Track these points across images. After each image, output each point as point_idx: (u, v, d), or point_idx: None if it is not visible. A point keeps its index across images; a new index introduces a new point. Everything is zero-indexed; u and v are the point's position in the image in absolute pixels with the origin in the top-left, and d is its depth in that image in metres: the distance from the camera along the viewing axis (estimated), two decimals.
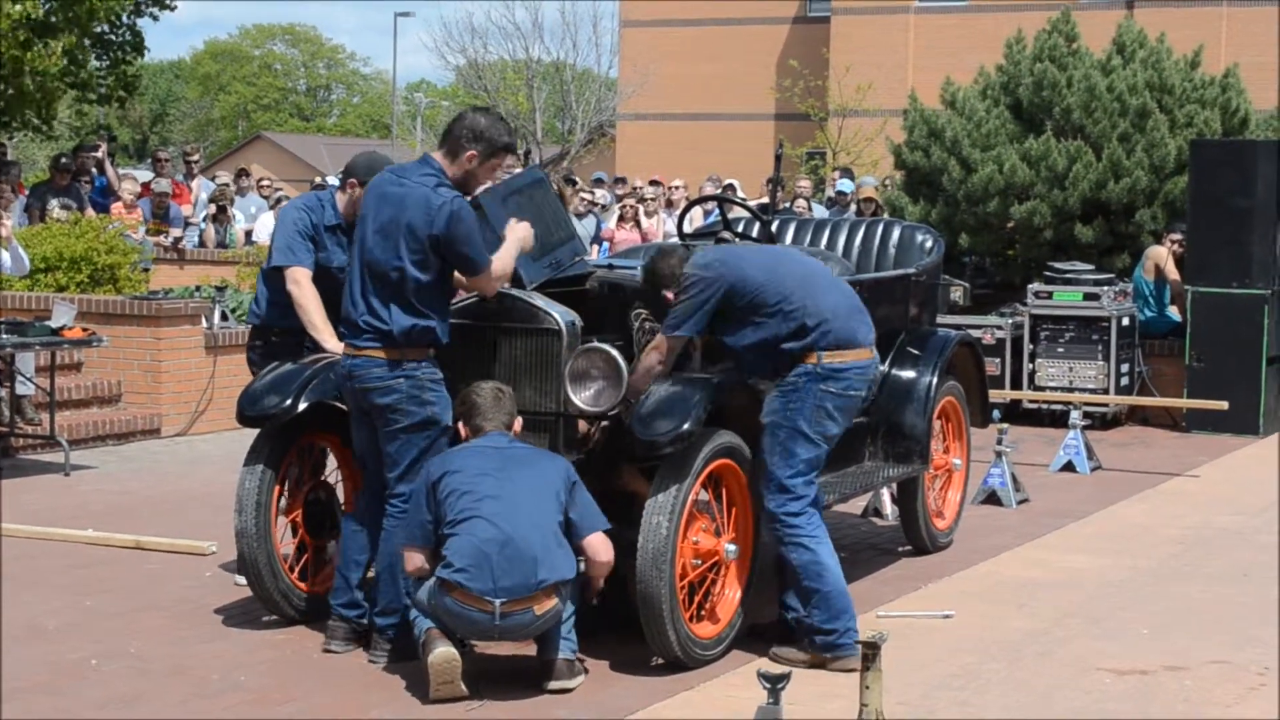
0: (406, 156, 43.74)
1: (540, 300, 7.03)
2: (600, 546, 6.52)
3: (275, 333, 7.83)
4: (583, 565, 6.56)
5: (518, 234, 6.95)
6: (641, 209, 19.62)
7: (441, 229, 6.60)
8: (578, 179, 24.21)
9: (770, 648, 6.99)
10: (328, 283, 7.62)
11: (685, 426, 6.64)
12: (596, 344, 6.85)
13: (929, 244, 9.61)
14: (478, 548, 6.30)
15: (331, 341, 7.49)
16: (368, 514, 7.02)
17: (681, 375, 7.08)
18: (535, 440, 6.93)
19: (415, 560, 6.53)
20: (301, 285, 7.63)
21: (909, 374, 8.84)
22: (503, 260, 6.83)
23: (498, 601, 6.28)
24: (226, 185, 21.40)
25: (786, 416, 6.90)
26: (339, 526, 7.48)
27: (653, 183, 22.46)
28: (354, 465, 7.61)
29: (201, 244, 19.42)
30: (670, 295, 6.99)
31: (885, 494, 9.95)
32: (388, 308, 6.69)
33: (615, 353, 6.78)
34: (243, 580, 7.65)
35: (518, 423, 6.71)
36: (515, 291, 7.13)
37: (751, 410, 7.17)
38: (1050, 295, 14.75)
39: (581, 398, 6.81)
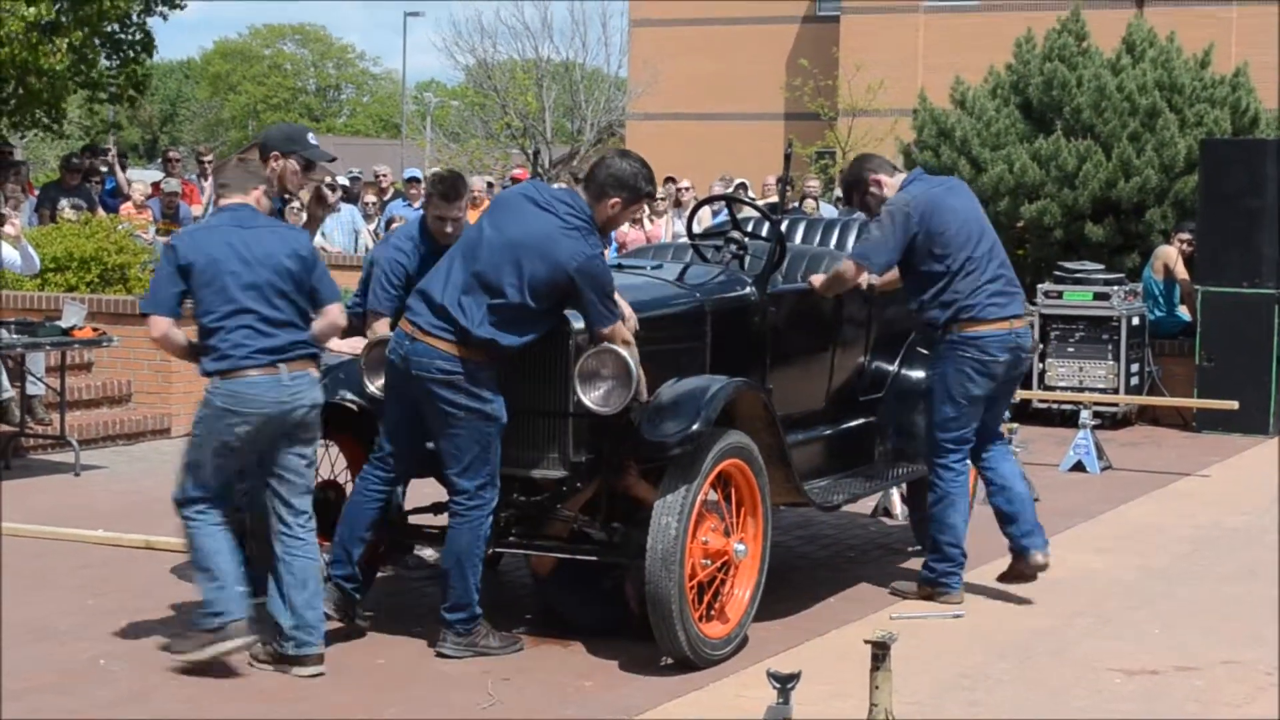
0: (416, 156, 43.87)
1: None
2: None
3: None
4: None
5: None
6: (649, 209, 19.60)
7: (580, 275, 6.65)
8: (577, 177, 24.23)
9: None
10: None
11: (694, 427, 6.64)
12: (607, 345, 6.85)
13: None
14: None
15: (336, 341, 7.51)
16: (379, 492, 6.99)
17: (691, 376, 7.10)
18: (545, 442, 6.93)
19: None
20: None
21: (918, 374, 8.83)
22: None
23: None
24: None
25: (935, 381, 8.04)
26: None
27: (668, 179, 22.45)
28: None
29: None
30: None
31: (895, 494, 9.94)
32: (479, 314, 6.67)
33: (625, 353, 6.78)
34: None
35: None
36: None
37: (761, 410, 7.19)
38: (1060, 295, 14.74)
39: (591, 397, 6.81)
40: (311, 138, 7.68)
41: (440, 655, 6.84)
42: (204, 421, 6.61)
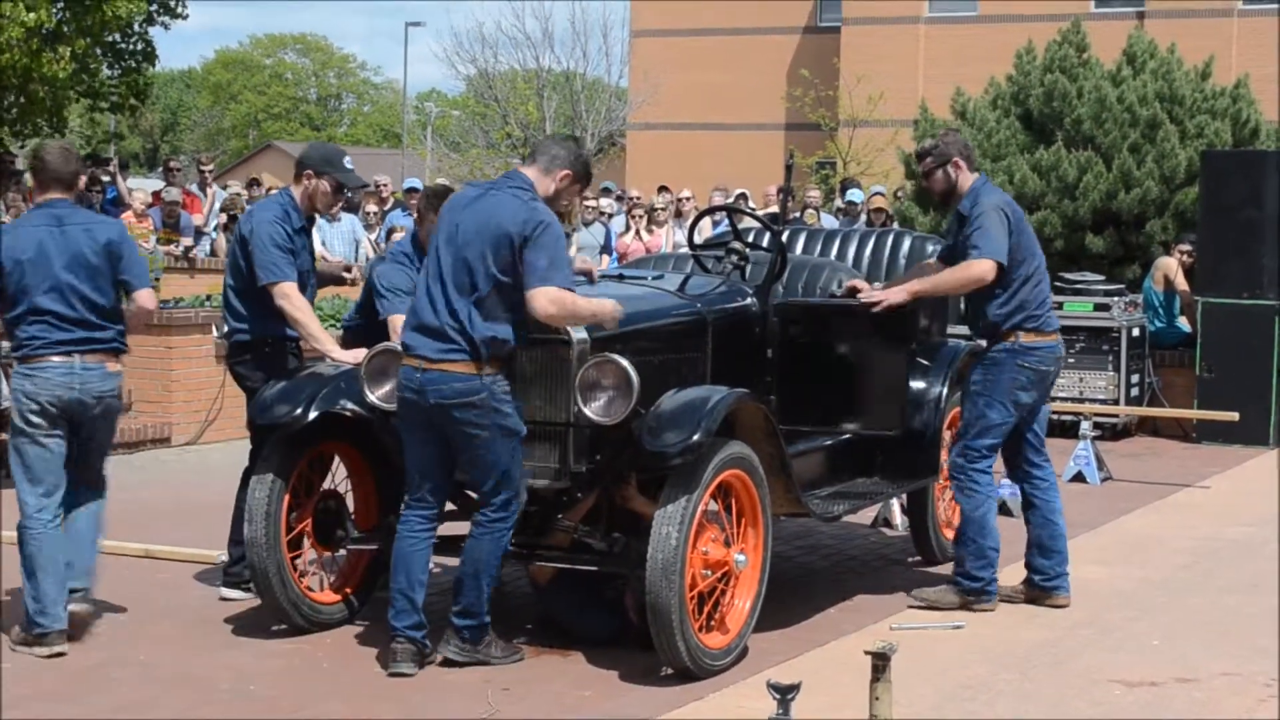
0: (417, 165, 43.92)
1: None
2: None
3: (268, 343, 7.77)
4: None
5: (607, 304, 6.94)
6: (647, 219, 19.60)
7: (531, 234, 6.62)
8: None
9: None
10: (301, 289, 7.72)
11: (695, 438, 6.64)
12: (608, 354, 6.85)
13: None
14: None
15: (338, 351, 7.55)
16: (427, 532, 6.87)
17: (693, 386, 7.11)
18: (546, 452, 6.94)
19: None
20: (292, 299, 7.60)
21: (919, 385, 8.83)
22: (572, 299, 6.71)
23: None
24: (238, 194, 21.43)
25: (985, 386, 8.03)
26: (349, 535, 7.50)
27: (661, 189, 22.47)
28: (365, 475, 7.64)
29: (212, 253, 19.45)
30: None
31: (895, 504, 9.94)
32: (470, 317, 6.65)
33: (626, 363, 6.78)
34: (230, 594, 7.75)
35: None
36: None
37: (762, 421, 7.19)
38: (1060, 306, 14.72)
39: (592, 408, 6.81)
40: (348, 161, 7.83)
41: (444, 659, 6.82)
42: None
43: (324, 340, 7.61)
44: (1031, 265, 8.07)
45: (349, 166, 7.83)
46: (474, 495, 7.04)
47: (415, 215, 7.87)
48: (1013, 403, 8.04)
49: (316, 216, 8.01)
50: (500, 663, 6.88)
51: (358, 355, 7.42)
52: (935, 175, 8.24)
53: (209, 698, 6.47)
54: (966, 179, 8.17)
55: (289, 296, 7.59)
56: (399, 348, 7.07)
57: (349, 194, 8.13)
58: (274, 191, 10.95)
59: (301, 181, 7.72)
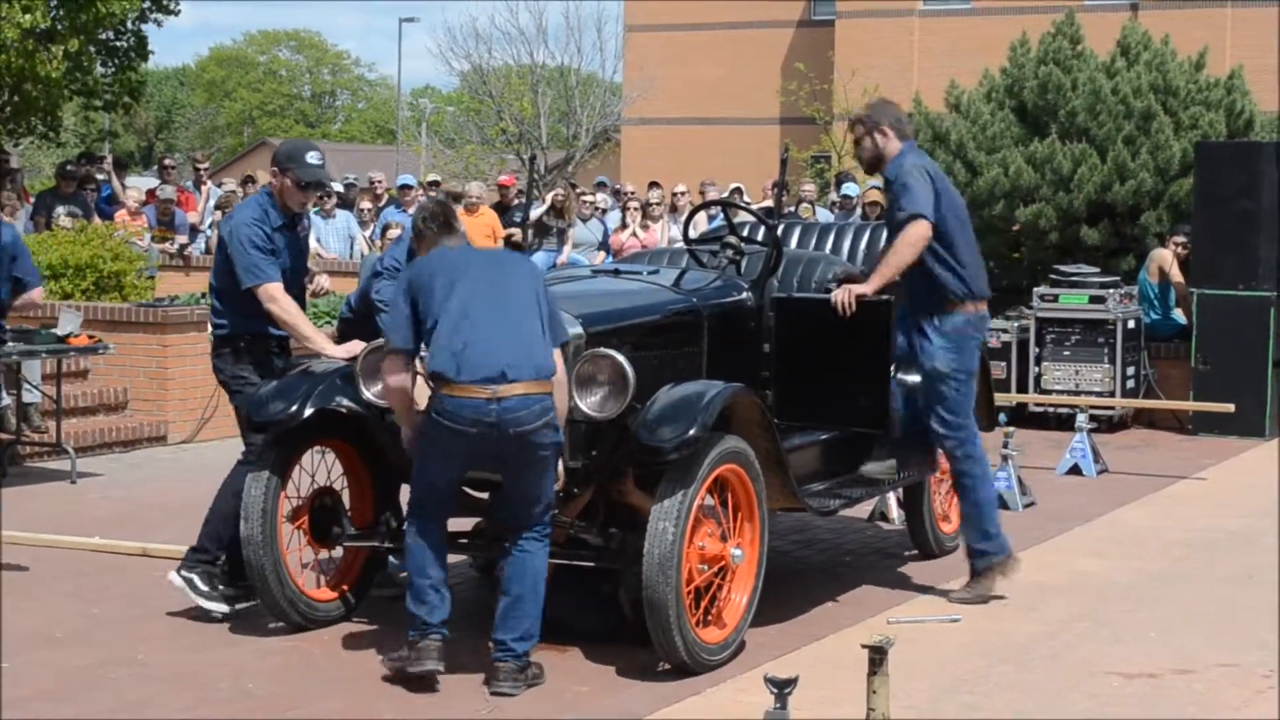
0: (412, 162, 43.91)
1: None
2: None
3: (243, 339, 7.71)
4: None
5: (344, 348, 7.39)
6: (642, 215, 19.60)
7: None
8: (577, 183, 24.26)
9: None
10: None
11: (691, 433, 6.64)
12: (603, 349, 6.85)
13: None
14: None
15: (331, 348, 7.52)
16: (438, 533, 6.72)
17: (688, 381, 7.11)
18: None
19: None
20: (279, 300, 7.55)
21: (914, 378, 8.82)
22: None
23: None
24: (234, 192, 21.42)
25: (961, 363, 8.03)
26: (345, 533, 7.49)
27: (652, 184, 22.48)
28: (361, 472, 7.63)
29: (207, 251, 19.44)
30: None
31: (892, 498, 9.94)
32: (540, 333, 6.58)
33: (622, 358, 6.78)
34: (175, 581, 7.60)
35: None
36: None
37: (758, 415, 7.19)
38: (1056, 298, 14.74)
39: (587, 403, 6.81)
40: (313, 156, 7.68)
41: (498, 695, 6.50)
42: None
43: (316, 339, 7.59)
44: (967, 233, 8.13)
45: (311, 161, 7.64)
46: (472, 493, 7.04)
47: (414, 235, 7.56)
48: (973, 377, 8.17)
49: (305, 212, 7.87)
50: (541, 680, 6.67)
51: (352, 350, 7.41)
52: (864, 143, 8.26)
53: (207, 696, 6.46)
54: (894, 146, 8.14)
55: (275, 299, 7.54)
56: None
57: (322, 191, 7.93)
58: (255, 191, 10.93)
59: (275, 179, 7.68)
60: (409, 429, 6.68)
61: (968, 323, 8.09)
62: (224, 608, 7.54)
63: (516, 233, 13.11)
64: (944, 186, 8.07)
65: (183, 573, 7.57)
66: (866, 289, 7.89)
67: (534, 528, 6.65)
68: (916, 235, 7.90)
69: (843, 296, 7.85)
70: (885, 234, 8.40)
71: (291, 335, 7.67)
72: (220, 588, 7.57)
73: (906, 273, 7.95)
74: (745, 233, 8.69)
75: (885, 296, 7.96)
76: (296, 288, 7.77)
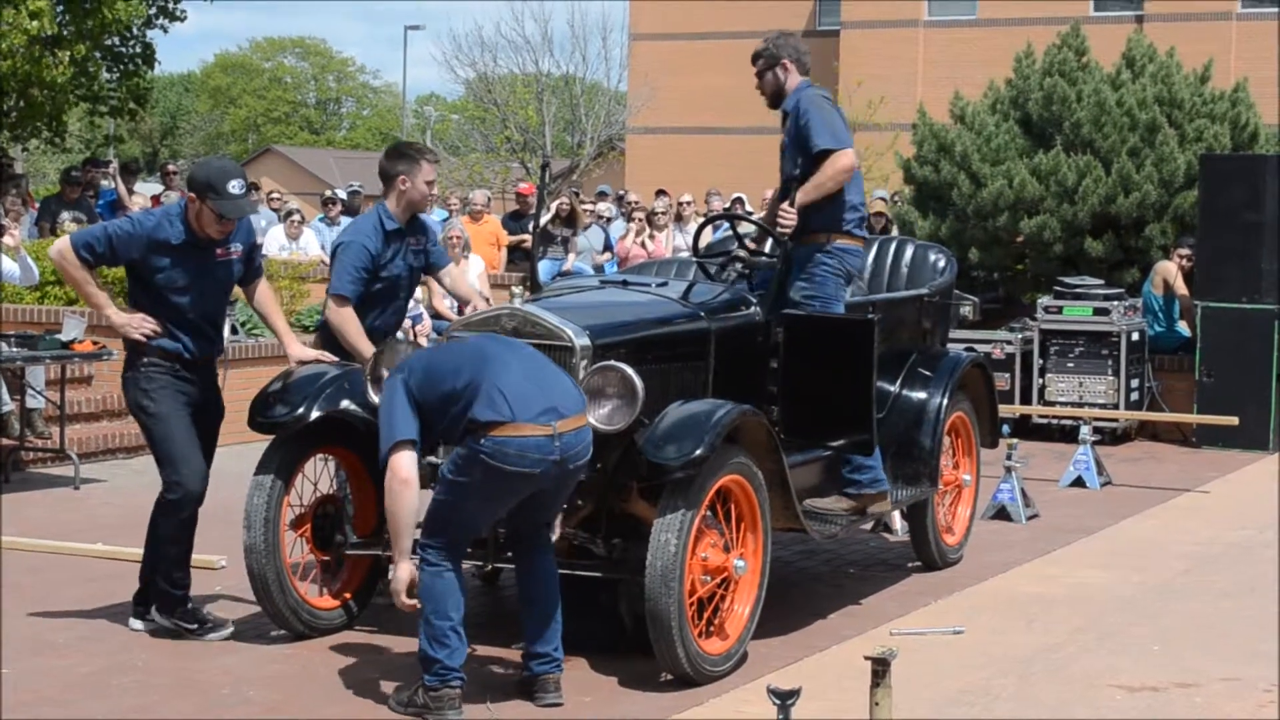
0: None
1: (555, 317, 7.03)
2: None
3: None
4: None
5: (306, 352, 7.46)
6: (647, 224, 19.61)
7: None
8: (579, 191, 24.27)
9: None
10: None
11: (698, 452, 6.63)
12: (612, 362, 6.85)
13: (941, 264, 9.58)
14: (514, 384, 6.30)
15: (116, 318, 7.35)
16: (461, 573, 6.49)
17: (694, 395, 7.11)
18: None
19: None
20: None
21: (919, 395, 8.83)
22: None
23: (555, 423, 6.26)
24: None
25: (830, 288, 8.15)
26: (348, 541, 7.49)
27: (659, 193, 22.50)
28: (364, 480, 7.61)
29: None
30: None
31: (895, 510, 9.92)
32: (564, 372, 6.61)
33: (630, 371, 6.78)
34: (138, 625, 7.45)
35: None
36: (529, 308, 7.14)
37: (764, 436, 7.19)
38: (1060, 310, 14.74)
39: (595, 415, 6.81)
40: (234, 185, 7.20)
41: (550, 706, 6.46)
42: None
43: (108, 312, 7.37)
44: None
45: (233, 192, 7.18)
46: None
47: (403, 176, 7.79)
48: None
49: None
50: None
51: (317, 355, 7.57)
52: (765, 77, 8.35)
53: (208, 704, 6.46)
54: (794, 80, 8.29)
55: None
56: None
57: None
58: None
59: (192, 202, 7.25)
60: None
61: (842, 251, 8.24)
62: (228, 629, 7.42)
63: (528, 239, 13.12)
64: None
65: (162, 616, 7.37)
66: (790, 218, 8.03)
67: (551, 543, 6.69)
68: (845, 164, 8.10)
69: (786, 219, 8.00)
70: (789, 160, 8.34)
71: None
72: (204, 616, 7.43)
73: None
74: (753, 246, 8.68)
75: (871, 316, 7.97)
76: (205, 309, 7.42)
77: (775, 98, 8.32)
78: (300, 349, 7.65)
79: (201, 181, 7.21)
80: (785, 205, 8.05)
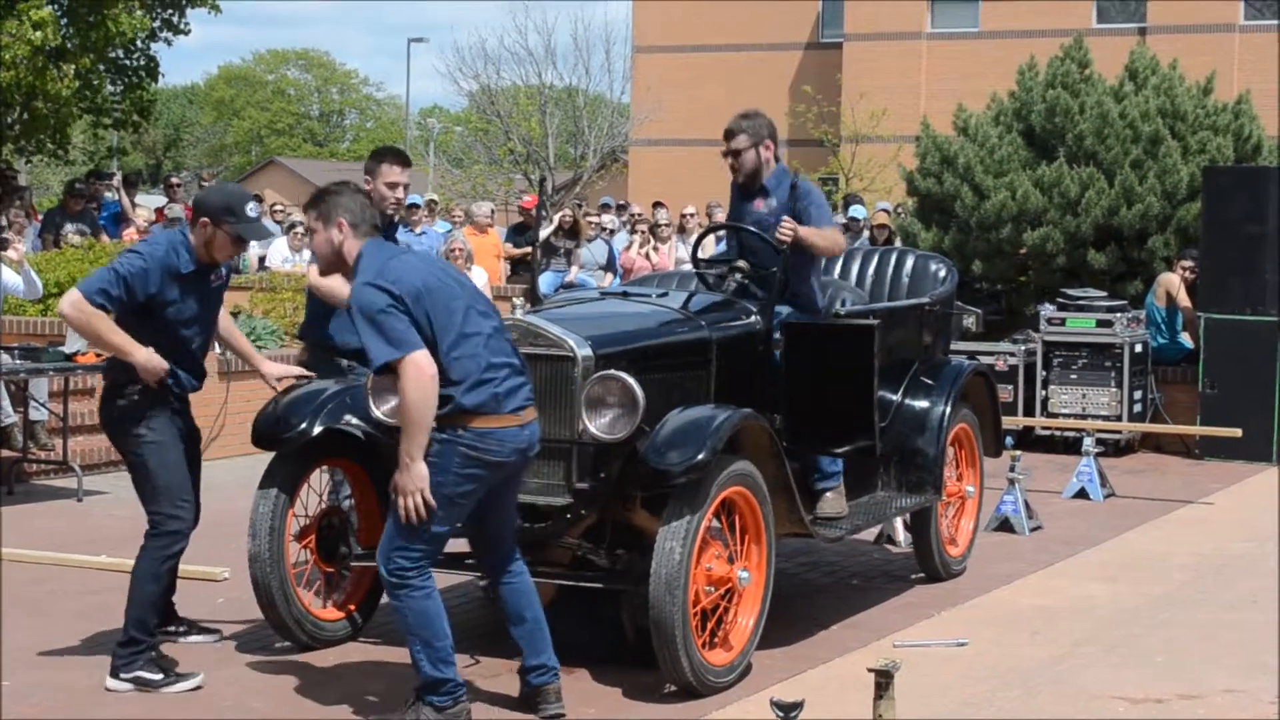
0: (420, 181, 43.98)
1: (557, 328, 7.04)
2: None
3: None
4: None
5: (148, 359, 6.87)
6: (651, 236, 19.64)
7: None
8: (583, 203, 24.31)
9: None
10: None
11: (700, 457, 6.64)
12: (613, 371, 6.85)
13: (942, 273, 9.60)
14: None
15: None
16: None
17: (696, 404, 7.11)
18: (550, 469, 6.93)
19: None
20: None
21: (922, 404, 8.83)
22: None
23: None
24: None
25: None
26: (352, 552, 7.49)
27: (657, 204, 22.53)
28: (369, 492, 7.62)
29: None
30: None
31: (898, 521, 9.93)
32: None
33: (631, 380, 6.79)
34: (120, 687, 7.02)
35: None
36: (532, 318, 7.15)
37: (767, 441, 7.20)
38: (1063, 322, 14.74)
39: (597, 425, 6.81)
40: (252, 209, 7.11)
41: (554, 716, 6.44)
42: None
43: (137, 356, 6.95)
44: None
45: (253, 215, 7.09)
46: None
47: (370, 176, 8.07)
48: None
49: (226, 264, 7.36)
50: None
51: (286, 370, 7.57)
52: (747, 154, 8.32)
53: (212, 715, 6.46)
54: (773, 162, 8.39)
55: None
56: None
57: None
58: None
59: (201, 228, 7.06)
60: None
61: None
62: (196, 680, 6.87)
63: (530, 251, 13.17)
64: None
65: (123, 676, 6.82)
66: (804, 235, 8.08)
67: (520, 555, 6.60)
68: (842, 244, 8.52)
69: (786, 232, 8.04)
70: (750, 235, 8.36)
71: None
72: (171, 669, 6.95)
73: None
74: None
75: (871, 321, 8.02)
76: (205, 338, 7.28)
77: (753, 175, 8.31)
78: (271, 366, 7.60)
79: (220, 205, 7.05)
80: (787, 219, 8.06)
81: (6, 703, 6.51)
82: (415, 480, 6.09)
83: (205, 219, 7.02)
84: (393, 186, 8.23)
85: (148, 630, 6.91)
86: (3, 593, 8.25)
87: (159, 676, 6.83)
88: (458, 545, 7.39)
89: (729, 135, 8.38)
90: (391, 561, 6.20)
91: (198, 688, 6.83)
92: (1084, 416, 14.36)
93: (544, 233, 18.52)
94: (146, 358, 6.91)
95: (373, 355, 6.07)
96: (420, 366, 6.01)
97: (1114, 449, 14.46)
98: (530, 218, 20.02)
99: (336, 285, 7.62)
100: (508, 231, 20.54)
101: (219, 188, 7.50)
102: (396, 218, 8.58)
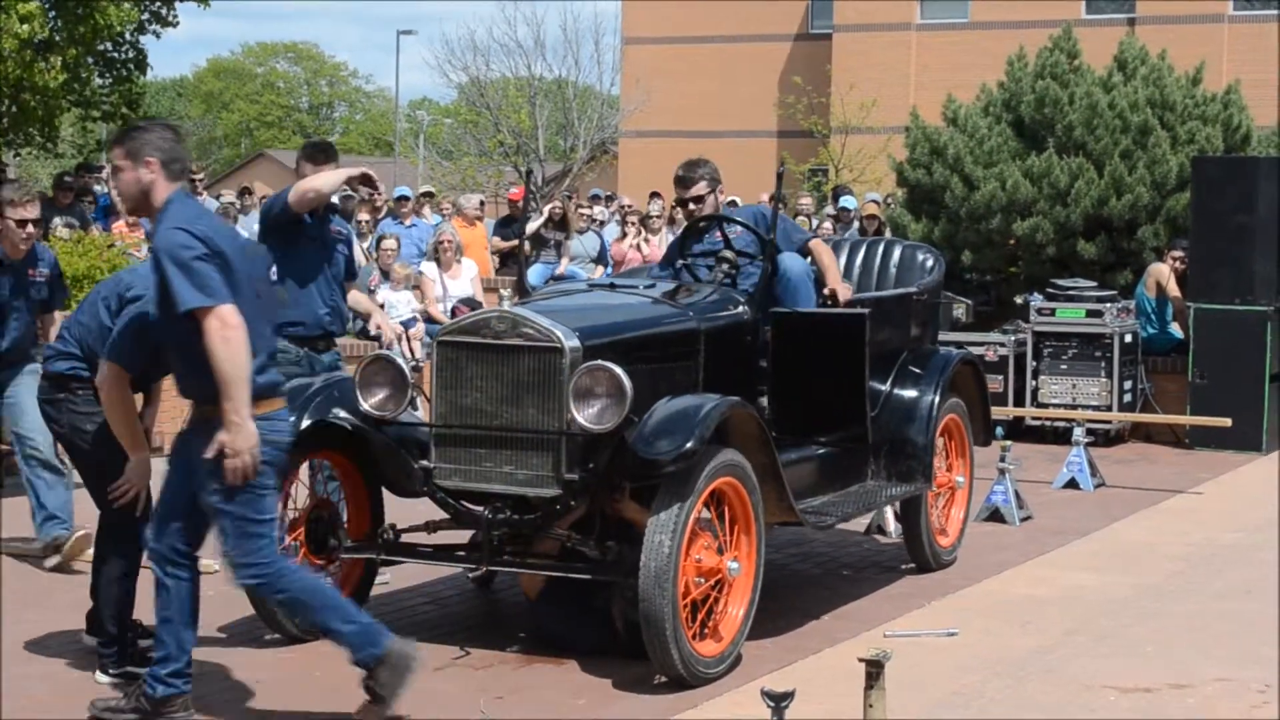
0: (410, 174, 43.98)
1: (545, 319, 7.03)
2: None
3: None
4: None
5: None
6: (642, 227, 19.63)
7: None
8: (573, 195, 24.30)
9: None
10: None
11: (688, 445, 6.64)
12: (601, 362, 6.85)
13: (930, 263, 9.62)
14: None
15: None
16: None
17: (685, 394, 7.11)
18: (538, 460, 6.93)
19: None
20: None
21: (911, 393, 8.84)
22: None
23: None
24: (231, 203, 21.42)
25: None
26: (341, 545, 7.49)
27: (653, 195, 22.53)
28: (357, 484, 7.62)
29: None
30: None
31: (888, 511, 9.94)
32: None
33: (619, 370, 6.78)
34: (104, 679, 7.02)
35: None
36: (519, 310, 7.15)
37: (755, 429, 7.20)
38: (1053, 312, 14.75)
39: (585, 415, 6.81)
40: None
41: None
42: None
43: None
44: None
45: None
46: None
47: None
48: None
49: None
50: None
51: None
52: (708, 199, 8.56)
53: (202, 707, 6.45)
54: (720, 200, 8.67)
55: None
56: (390, 356, 7.19)
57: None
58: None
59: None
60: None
61: None
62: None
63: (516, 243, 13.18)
64: None
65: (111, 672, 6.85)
66: (843, 285, 8.46)
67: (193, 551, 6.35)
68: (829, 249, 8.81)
69: (843, 295, 8.39)
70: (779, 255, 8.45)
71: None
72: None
73: None
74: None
75: (861, 310, 8.14)
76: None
77: (713, 209, 8.58)
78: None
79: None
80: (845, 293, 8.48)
81: (2, 696, 6.51)
82: (245, 439, 5.78)
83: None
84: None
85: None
86: (2, 587, 8.25)
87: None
88: (451, 537, 7.41)
89: (686, 184, 8.58)
90: (251, 567, 6.03)
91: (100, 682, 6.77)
92: (1074, 406, 14.37)
93: (533, 225, 18.50)
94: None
95: (180, 299, 5.75)
96: (229, 319, 5.74)
97: (1104, 439, 14.47)
98: (517, 209, 20.00)
99: None
100: (495, 224, 20.51)
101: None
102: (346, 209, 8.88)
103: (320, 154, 8.59)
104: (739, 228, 8.42)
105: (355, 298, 9.16)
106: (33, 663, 7.04)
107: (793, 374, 8.05)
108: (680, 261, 8.65)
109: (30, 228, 8.65)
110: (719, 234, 8.51)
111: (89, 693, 6.62)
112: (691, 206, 8.56)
